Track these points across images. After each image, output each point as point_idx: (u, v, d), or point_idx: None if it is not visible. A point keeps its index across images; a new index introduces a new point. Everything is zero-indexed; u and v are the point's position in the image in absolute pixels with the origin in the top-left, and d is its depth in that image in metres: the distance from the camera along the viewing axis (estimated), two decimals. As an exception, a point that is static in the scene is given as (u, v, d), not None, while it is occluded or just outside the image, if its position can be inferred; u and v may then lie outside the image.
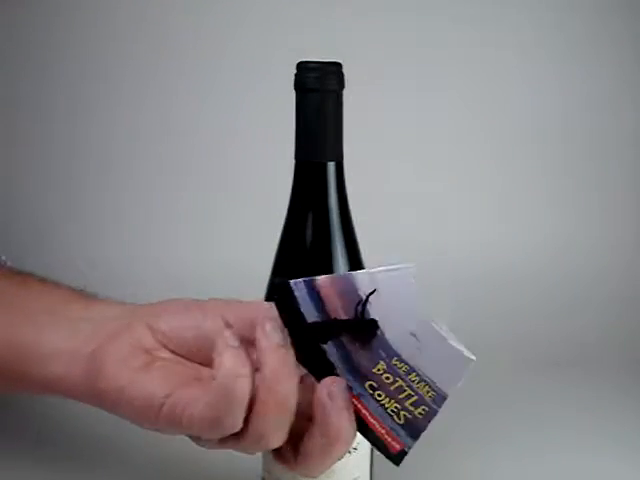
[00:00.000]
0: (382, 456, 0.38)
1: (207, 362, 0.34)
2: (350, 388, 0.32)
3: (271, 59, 0.80)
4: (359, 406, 0.33)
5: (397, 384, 0.32)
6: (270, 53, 0.83)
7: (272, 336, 0.31)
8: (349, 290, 0.31)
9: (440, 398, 0.31)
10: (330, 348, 0.32)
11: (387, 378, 0.32)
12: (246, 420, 0.31)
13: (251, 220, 0.82)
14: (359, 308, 0.31)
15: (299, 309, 0.32)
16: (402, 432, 0.32)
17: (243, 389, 0.30)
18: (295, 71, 0.39)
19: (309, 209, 0.42)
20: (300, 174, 0.41)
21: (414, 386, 0.32)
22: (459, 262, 0.89)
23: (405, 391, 0.32)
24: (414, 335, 0.31)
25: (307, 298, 0.32)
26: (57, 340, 0.36)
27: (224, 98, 0.86)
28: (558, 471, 0.58)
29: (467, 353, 0.31)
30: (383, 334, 0.31)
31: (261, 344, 0.31)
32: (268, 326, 0.31)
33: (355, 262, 0.42)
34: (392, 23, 0.85)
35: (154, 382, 0.33)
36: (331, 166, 0.41)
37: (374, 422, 0.32)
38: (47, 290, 0.40)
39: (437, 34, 0.87)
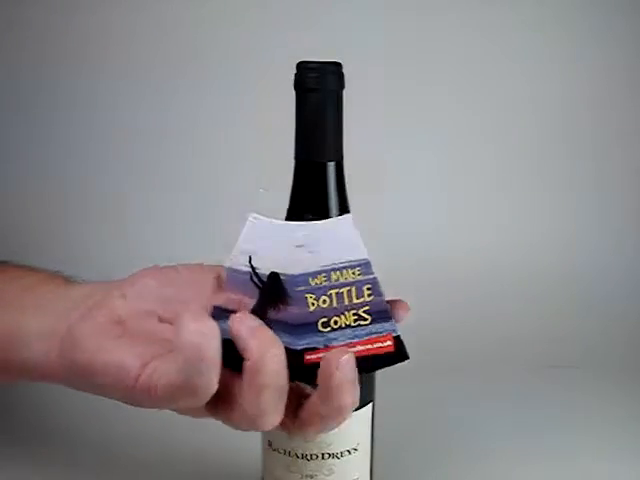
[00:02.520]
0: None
1: None
2: (314, 349, 0.31)
3: (271, 59, 0.80)
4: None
5: (334, 296, 0.30)
6: (270, 53, 0.83)
7: (249, 320, 0.30)
8: (235, 278, 0.31)
9: (365, 266, 0.30)
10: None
11: (324, 302, 0.31)
12: (237, 400, 0.30)
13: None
14: (255, 280, 0.31)
15: (228, 339, 0.30)
16: (378, 327, 0.31)
17: (211, 345, 0.29)
18: (295, 71, 0.39)
19: (309, 209, 0.42)
20: (300, 174, 0.41)
21: (342, 281, 0.30)
22: (458, 261, 0.89)
23: (343, 294, 0.30)
24: (300, 246, 0.30)
25: (222, 325, 0.30)
26: (34, 324, 0.36)
27: (224, 98, 0.86)
28: (558, 474, 0.58)
29: (339, 217, 0.30)
30: (286, 274, 0.31)
31: (240, 331, 0.30)
32: (240, 315, 0.30)
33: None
34: (392, 23, 0.85)
35: (130, 350, 0.32)
36: (331, 166, 0.41)
37: (358, 348, 0.31)
38: (23, 274, 0.40)
39: (437, 34, 0.87)
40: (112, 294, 0.35)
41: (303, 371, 0.31)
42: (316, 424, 0.32)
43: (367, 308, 0.31)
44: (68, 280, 0.39)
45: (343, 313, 0.31)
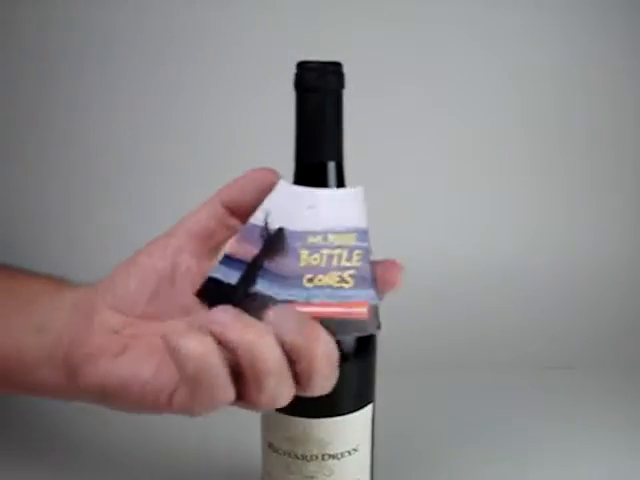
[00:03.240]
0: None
1: (177, 306, 0.34)
2: (293, 302, 0.31)
3: (271, 59, 0.80)
4: (315, 309, 0.31)
5: (325, 256, 0.32)
6: (270, 52, 0.83)
7: (224, 316, 0.30)
8: (249, 231, 0.34)
9: (361, 234, 0.32)
10: (261, 284, 0.32)
11: (315, 259, 0.32)
12: (246, 392, 0.30)
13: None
14: (264, 234, 0.33)
15: (222, 282, 0.33)
16: (357, 292, 0.31)
17: (213, 360, 0.28)
18: (295, 71, 0.39)
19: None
20: (300, 174, 0.41)
21: (337, 244, 0.32)
22: (457, 262, 0.89)
23: (333, 256, 0.32)
24: (311, 207, 0.33)
25: (224, 269, 0.33)
26: (35, 345, 0.35)
27: (224, 98, 0.86)
28: (557, 473, 0.58)
29: (354, 188, 0.33)
30: (290, 230, 0.33)
31: (223, 333, 0.29)
32: (217, 314, 0.30)
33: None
34: (392, 23, 0.85)
35: (138, 364, 0.32)
36: (331, 166, 0.41)
37: (333, 309, 0.31)
38: (22, 282, 0.40)
39: (438, 33, 0.86)
40: (98, 307, 0.34)
41: None
42: (312, 376, 0.30)
43: (352, 272, 0.31)
44: (65, 284, 0.39)
45: (329, 273, 0.32)
